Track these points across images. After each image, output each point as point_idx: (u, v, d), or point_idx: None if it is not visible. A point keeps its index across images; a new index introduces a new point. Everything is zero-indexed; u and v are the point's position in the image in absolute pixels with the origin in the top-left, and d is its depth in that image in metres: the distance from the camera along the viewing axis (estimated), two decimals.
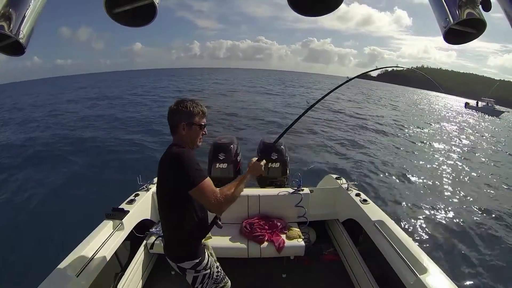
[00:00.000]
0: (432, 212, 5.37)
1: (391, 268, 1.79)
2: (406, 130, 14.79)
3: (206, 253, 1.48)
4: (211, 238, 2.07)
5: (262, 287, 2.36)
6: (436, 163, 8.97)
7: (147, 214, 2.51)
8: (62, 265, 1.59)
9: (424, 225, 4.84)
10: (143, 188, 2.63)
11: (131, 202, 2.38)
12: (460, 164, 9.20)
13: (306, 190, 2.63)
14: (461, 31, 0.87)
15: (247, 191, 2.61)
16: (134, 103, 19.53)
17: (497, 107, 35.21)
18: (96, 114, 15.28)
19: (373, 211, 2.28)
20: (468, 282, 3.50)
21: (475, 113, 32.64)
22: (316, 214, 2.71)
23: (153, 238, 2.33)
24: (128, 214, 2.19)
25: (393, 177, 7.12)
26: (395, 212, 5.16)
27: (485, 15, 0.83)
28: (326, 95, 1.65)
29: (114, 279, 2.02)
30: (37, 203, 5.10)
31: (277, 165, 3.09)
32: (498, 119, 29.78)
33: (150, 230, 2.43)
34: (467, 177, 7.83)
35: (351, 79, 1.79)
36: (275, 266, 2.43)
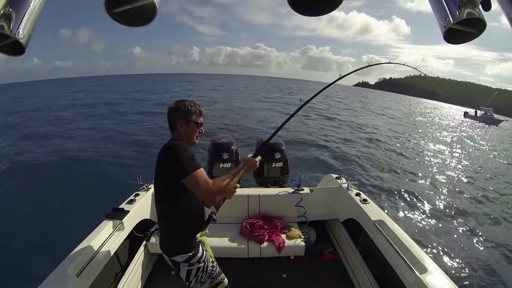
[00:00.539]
0: (432, 212, 5.38)
1: (391, 267, 1.79)
2: (407, 136, 14.81)
3: (201, 247, 1.49)
4: (207, 234, 2.06)
5: (262, 287, 2.35)
6: (437, 166, 9.00)
7: (147, 214, 2.51)
8: (62, 265, 1.59)
9: (424, 225, 4.84)
10: (143, 188, 2.63)
11: (131, 202, 2.38)
12: (461, 167, 9.22)
13: (306, 190, 2.62)
14: (461, 30, 0.87)
15: (247, 191, 2.61)
16: (134, 105, 19.57)
17: (496, 116, 35.25)
18: (95, 116, 15.31)
19: (373, 211, 2.28)
20: (468, 282, 3.51)
21: (476, 123, 32.54)
22: (316, 214, 2.71)
23: (153, 238, 2.34)
24: (128, 214, 2.19)
25: (394, 178, 7.13)
26: (395, 212, 5.17)
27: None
28: (317, 94, 1.73)
29: (114, 279, 2.02)
30: (37, 203, 5.10)
31: (279, 164, 3.09)
32: (497, 128, 29.80)
33: (150, 230, 2.43)
34: (468, 179, 7.84)
35: (340, 78, 1.86)
36: (275, 266, 2.43)
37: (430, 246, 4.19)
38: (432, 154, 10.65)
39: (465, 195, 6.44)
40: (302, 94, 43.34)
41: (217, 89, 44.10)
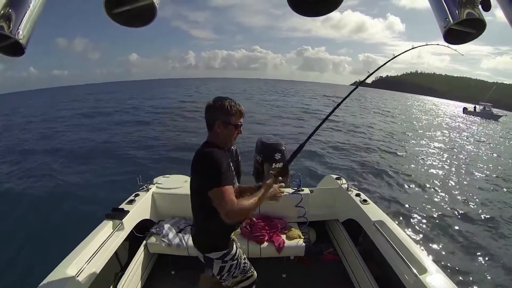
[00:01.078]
0: (432, 212, 5.37)
1: (391, 268, 1.79)
2: (407, 135, 14.81)
3: (234, 245, 1.51)
4: (239, 232, 2.05)
5: (262, 287, 2.36)
6: (437, 165, 8.98)
7: (147, 214, 2.51)
8: (62, 265, 1.59)
9: (424, 225, 4.84)
10: (143, 188, 2.64)
11: (131, 202, 2.39)
12: (463, 167, 9.20)
13: (306, 190, 2.62)
14: (461, 31, 0.87)
15: None
16: (133, 106, 19.59)
17: (495, 110, 35.07)
18: (95, 116, 15.32)
19: (373, 211, 2.28)
20: (468, 282, 3.50)
21: (477, 119, 32.43)
22: (316, 214, 2.71)
23: (153, 238, 2.34)
24: (128, 214, 2.19)
25: (394, 178, 7.13)
26: (395, 212, 5.17)
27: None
28: (347, 95, 1.76)
29: (114, 279, 2.02)
30: (37, 203, 5.11)
31: (279, 165, 3.07)
32: (497, 123, 29.74)
33: (150, 230, 2.43)
34: (467, 179, 7.84)
35: (360, 83, 1.92)
36: (275, 266, 2.43)
37: (429, 246, 4.19)
38: (433, 153, 10.64)
39: (465, 196, 6.43)
40: (299, 95, 43.38)
41: (213, 92, 44.19)
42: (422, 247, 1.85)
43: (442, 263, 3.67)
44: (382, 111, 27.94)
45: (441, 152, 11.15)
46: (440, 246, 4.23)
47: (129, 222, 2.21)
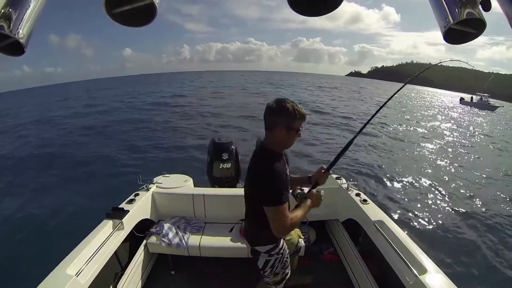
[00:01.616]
0: (432, 212, 5.37)
1: (391, 268, 1.79)
2: (405, 128, 14.80)
3: (282, 240, 1.55)
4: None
5: (262, 287, 2.36)
6: (437, 163, 8.96)
7: (147, 214, 2.51)
8: (62, 265, 1.59)
9: (424, 225, 4.84)
10: (143, 188, 2.64)
11: (131, 202, 2.39)
12: (462, 164, 9.18)
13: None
14: (461, 31, 0.87)
15: None
16: (133, 107, 19.58)
17: (492, 101, 35.11)
18: (90, 114, 15.31)
19: (373, 211, 2.28)
20: (467, 282, 3.50)
21: (473, 109, 32.56)
22: (316, 214, 2.70)
23: (153, 238, 2.34)
24: (128, 214, 2.19)
25: (393, 177, 7.12)
26: (395, 212, 5.17)
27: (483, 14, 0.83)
28: (395, 92, 1.77)
29: (114, 279, 2.02)
30: (37, 203, 5.11)
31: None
32: (494, 114, 29.79)
33: (150, 230, 2.43)
34: (468, 178, 7.83)
35: (407, 82, 1.91)
36: None
37: (430, 246, 4.19)
38: (433, 150, 10.60)
39: (465, 196, 6.43)
40: (298, 87, 43.23)
41: (207, 85, 44.17)
42: (422, 247, 1.84)
43: (442, 263, 3.67)
44: (379, 105, 27.90)
45: (441, 148, 11.11)
46: (440, 246, 4.23)
47: (129, 222, 2.21)
